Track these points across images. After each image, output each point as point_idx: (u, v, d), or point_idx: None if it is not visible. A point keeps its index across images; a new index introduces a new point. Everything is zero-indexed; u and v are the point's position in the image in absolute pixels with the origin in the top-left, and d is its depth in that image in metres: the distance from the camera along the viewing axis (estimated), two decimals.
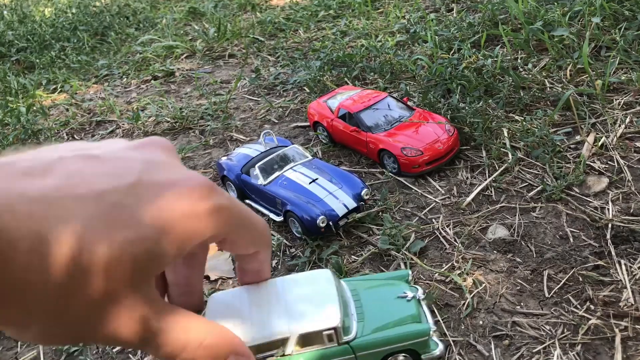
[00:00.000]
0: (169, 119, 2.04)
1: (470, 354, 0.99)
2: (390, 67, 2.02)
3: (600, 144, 1.43)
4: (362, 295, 0.84)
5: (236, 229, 0.33)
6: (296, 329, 0.62)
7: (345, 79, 2.05)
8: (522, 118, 1.58)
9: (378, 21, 2.66)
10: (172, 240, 0.29)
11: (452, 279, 1.13)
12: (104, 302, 0.26)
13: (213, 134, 1.91)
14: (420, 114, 1.58)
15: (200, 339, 0.30)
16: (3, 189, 0.25)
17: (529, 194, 1.34)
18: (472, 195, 1.37)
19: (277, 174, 1.39)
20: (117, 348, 1.11)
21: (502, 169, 1.43)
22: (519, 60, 1.88)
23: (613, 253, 1.13)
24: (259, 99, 2.11)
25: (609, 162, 1.39)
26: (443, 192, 1.41)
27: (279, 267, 1.26)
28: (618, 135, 1.45)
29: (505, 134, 1.53)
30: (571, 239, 1.19)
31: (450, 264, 1.18)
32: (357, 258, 1.24)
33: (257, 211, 1.44)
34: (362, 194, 1.32)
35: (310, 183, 1.34)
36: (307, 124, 1.80)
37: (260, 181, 1.38)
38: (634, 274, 1.07)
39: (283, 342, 0.63)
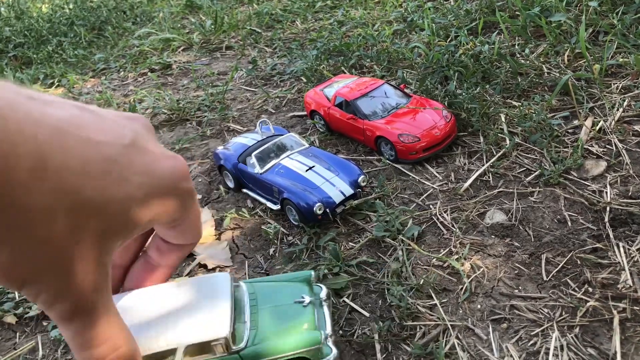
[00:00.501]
0: (165, 111, 2.03)
1: (468, 337, 0.99)
2: (387, 55, 2.01)
3: (598, 128, 1.42)
4: (259, 299, 0.84)
5: (192, 217, 0.35)
6: (185, 340, 0.65)
7: (342, 67, 2.04)
8: (520, 103, 1.57)
9: (375, 10, 2.65)
10: (150, 211, 0.30)
11: (450, 264, 1.13)
12: (70, 243, 0.26)
13: (210, 125, 1.90)
14: (417, 100, 1.57)
15: (118, 345, 0.30)
16: (11, 100, 0.24)
17: (527, 179, 1.33)
18: (469, 181, 1.36)
19: (273, 162, 1.39)
20: None
21: (499, 154, 1.42)
22: (516, 47, 1.87)
23: (611, 236, 1.12)
24: (256, 90, 2.10)
25: (607, 145, 1.38)
26: (440, 178, 1.40)
27: (277, 255, 1.26)
28: (616, 119, 1.44)
29: (503, 120, 1.52)
30: (569, 223, 1.18)
31: (448, 249, 1.18)
32: (354, 245, 1.23)
33: (255, 200, 1.44)
34: (359, 180, 1.32)
35: (306, 171, 1.34)
36: (304, 113, 1.79)
37: (257, 170, 1.38)
38: (632, 256, 1.07)
39: (173, 352, 0.64)
